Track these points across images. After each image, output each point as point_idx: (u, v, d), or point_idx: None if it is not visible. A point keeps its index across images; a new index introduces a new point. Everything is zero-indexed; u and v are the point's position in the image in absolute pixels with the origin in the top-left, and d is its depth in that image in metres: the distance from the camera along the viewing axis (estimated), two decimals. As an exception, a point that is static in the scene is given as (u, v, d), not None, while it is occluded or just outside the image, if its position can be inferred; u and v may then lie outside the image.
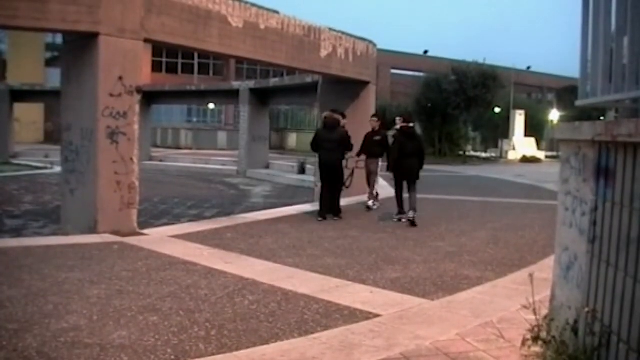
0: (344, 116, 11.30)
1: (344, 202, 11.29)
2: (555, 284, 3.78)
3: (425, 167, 10.73)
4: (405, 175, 10.48)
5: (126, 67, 8.77)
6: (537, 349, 3.48)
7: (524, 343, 3.56)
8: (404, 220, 10.17)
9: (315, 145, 10.87)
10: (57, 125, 30.19)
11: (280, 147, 41.91)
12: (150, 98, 30.95)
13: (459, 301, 5.36)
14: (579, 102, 3.60)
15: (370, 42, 14.78)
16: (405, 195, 10.42)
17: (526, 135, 43.21)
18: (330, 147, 10.62)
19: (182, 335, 4.29)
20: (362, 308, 5.05)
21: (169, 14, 9.31)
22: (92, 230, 8.54)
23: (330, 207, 10.63)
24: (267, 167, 27.51)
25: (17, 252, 7.15)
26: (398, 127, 10.79)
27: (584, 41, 3.47)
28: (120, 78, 8.69)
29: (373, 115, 12.56)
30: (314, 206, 11.66)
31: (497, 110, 41.60)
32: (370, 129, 11.87)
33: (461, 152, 39.58)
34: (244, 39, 10.72)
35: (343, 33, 13.60)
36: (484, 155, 44.35)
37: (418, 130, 18.14)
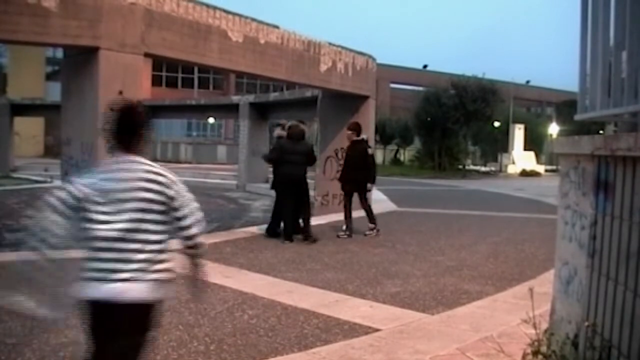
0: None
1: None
2: (555, 298, 3.77)
3: (424, 181, 10.75)
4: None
5: (126, 81, 8.79)
6: (537, 363, 3.47)
7: (524, 357, 3.54)
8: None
9: (278, 158, 9.86)
10: (57, 139, 30.21)
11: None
12: (150, 112, 30.98)
13: (459, 315, 5.34)
14: (578, 116, 3.61)
15: (370, 56, 14.82)
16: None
17: (525, 149, 43.32)
18: (295, 160, 9.60)
19: (181, 349, 4.28)
20: (361, 322, 5.03)
21: (169, 29, 9.35)
22: (92, 244, 8.51)
23: (296, 228, 9.70)
24: (267, 181, 27.42)
25: (16, 266, 7.12)
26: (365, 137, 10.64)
27: (583, 55, 3.49)
28: (121, 92, 8.70)
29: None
30: (314, 220, 11.62)
31: (496, 124, 41.75)
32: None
33: (461, 166, 39.68)
34: (243, 54, 10.76)
35: (343, 47, 13.65)
36: (483, 169, 44.49)
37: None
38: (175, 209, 2.77)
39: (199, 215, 2.95)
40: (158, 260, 2.72)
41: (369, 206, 10.54)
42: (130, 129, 2.79)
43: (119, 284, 2.57)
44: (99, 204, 2.65)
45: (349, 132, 10.57)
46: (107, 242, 2.63)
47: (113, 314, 2.59)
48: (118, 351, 2.64)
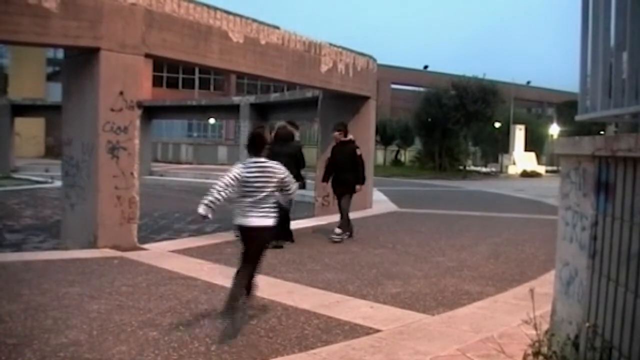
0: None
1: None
2: (556, 298, 3.77)
3: (425, 182, 10.68)
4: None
5: (127, 82, 8.80)
6: (538, 364, 3.47)
7: (525, 358, 3.54)
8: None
9: None
10: (57, 139, 30.25)
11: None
12: (150, 113, 31.05)
13: (459, 316, 5.34)
14: (578, 117, 3.61)
15: (371, 57, 14.83)
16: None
17: (526, 149, 43.32)
18: (282, 162, 9.33)
19: (182, 350, 4.28)
20: (362, 323, 5.03)
21: (170, 29, 9.36)
22: (92, 244, 8.53)
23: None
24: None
25: (16, 266, 7.14)
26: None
27: (584, 56, 3.49)
28: (121, 93, 8.72)
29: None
30: (314, 221, 11.64)
31: (497, 125, 41.75)
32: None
33: (461, 167, 39.67)
34: (244, 54, 10.76)
35: (343, 48, 13.66)
36: (484, 169, 44.47)
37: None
38: (283, 182, 5.20)
39: (293, 183, 5.45)
40: (269, 209, 5.06)
41: (347, 210, 10.06)
42: (258, 145, 5.22)
43: (253, 219, 4.98)
44: (246, 183, 5.01)
45: (337, 132, 10.27)
46: (248, 201, 5.00)
47: (251, 231, 5.02)
48: (255, 249, 5.11)
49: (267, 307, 5.50)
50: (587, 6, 3.43)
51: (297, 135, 10.07)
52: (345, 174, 9.99)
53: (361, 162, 10.23)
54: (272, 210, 5.11)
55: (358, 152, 10.18)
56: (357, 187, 10.00)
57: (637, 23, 2.88)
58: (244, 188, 5.01)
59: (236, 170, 5.06)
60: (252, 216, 4.99)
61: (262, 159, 5.17)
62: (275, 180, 5.11)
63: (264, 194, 5.02)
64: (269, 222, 5.06)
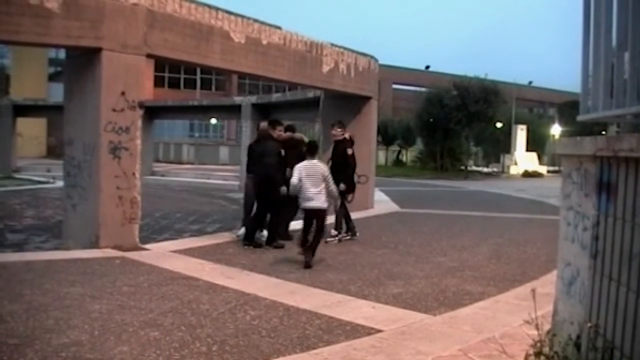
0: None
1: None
2: (558, 299, 3.76)
3: (426, 182, 10.67)
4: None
5: (128, 82, 8.81)
6: (540, 364, 3.46)
7: (526, 358, 3.54)
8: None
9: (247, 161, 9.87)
10: (59, 139, 30.26)
11: (282, 162, 41.81)
12: (152, 113, 31.05)
13: (461, 316, 5.34)
14: (580, 117, 3.61)
15: (372, 57, 14.83)
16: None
17: (528, 150, 43.28)
18: (263, 161, 9.26)
19: (184, 350, 4.28)
20: (364, 323, 5.03)
21: (172, 30, 9.36)
22: (94, 244, 8.53)
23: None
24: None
25: (18, 266, 7.15)
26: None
27: (585, 56, 3.48)
28: (123, 93, 8.73)
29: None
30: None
31: (498, 125, 41.70)
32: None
33: (463, 167, 39.65)
34: (246, 55, 10.76)
35: (345, 48, 13.66)
36: (485, 170, 44.42)
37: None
38: (325, 178, 7.80)
39: (333, 186, 8.03)
40: (325, 196, 7.80)
41: (340, 212, 9.93)
42: (313, 151, 8.00)
43: (316, 202, 7.70)
44: (307, 180, 7.69)
45: (332, 130, 10.20)
46: (311, 193, 7.69)
47: (314, 212, 7.75)
48: (316, 228, 7.70)
49: (268, 307, 5.50)
50: (589, 6, 3.43)
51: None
52: (338, 175, 9.24)
53: (351, 162, 9.99)
54: (326, 197, 7.86)
55: (349, 151, 9.97)
56: (342, 185, 9.40)
57: (639, 23, 2.88)
58: (308, 180, 7.70)
59: (301, 168, 7.74)
60: (315, 200, 7.73)
61: (315, 160, 7.90)
62: (321, 176, 7.76)
63: (321, 185, 7.74)
64: (326, 205, 7.92)
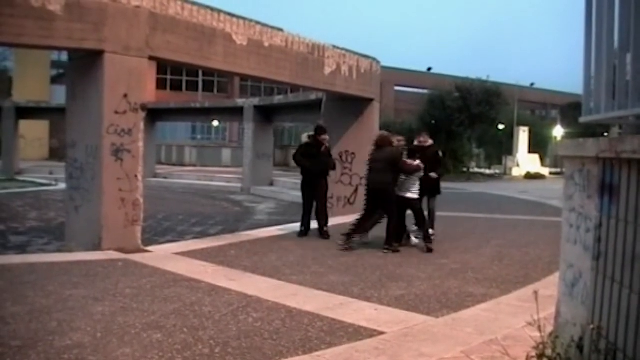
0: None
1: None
2: (560, 300, 3.76)
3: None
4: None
5: (131, 85, 8.82)
6: (542, 366, 3.46)
7: (529, 360, 3.53)
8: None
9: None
10: (62, 142, 30.31)
11: (284, 164, 41.97)
12: (154, 115, 31.10)
13: (463, 318, 5.33)
14: (582, 119, 3.61)
15: (374, 59, 14.84)
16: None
17: (530, 151, 43.28)
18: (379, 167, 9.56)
19: (186, 352, 4.28)
20: (366, 325, 5.03)
21: (174, 32, 9.38)
22: (97, 247, 8.55)
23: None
24: (271, 184, 27.51)
25: (21, 268, 7.15)
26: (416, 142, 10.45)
27: (587, 58, 3.48)
28: (125, 95, 8.74)
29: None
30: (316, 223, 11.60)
31: (501, 127, 41.66)
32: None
33: (465, 169, 39.56)
34: (248, 57, 10.78)
35: (347, 50, 13.66)
36: (488, 171, 44.36)
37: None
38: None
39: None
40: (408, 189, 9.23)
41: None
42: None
43: (407, 193, 9.14)
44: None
45: (322, 137, 10.66)
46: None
47: (403, 200, 9.15)
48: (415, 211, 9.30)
49: (271, 310, 5.50)
50: (591, 7, 3.43)
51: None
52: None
53: (329, 162, 10.75)
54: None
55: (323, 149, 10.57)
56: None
57: (641, 24, 2.88)
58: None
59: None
60: (405, 191, 9.15)
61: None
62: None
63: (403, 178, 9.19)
64: (414, 196, 9.21)
